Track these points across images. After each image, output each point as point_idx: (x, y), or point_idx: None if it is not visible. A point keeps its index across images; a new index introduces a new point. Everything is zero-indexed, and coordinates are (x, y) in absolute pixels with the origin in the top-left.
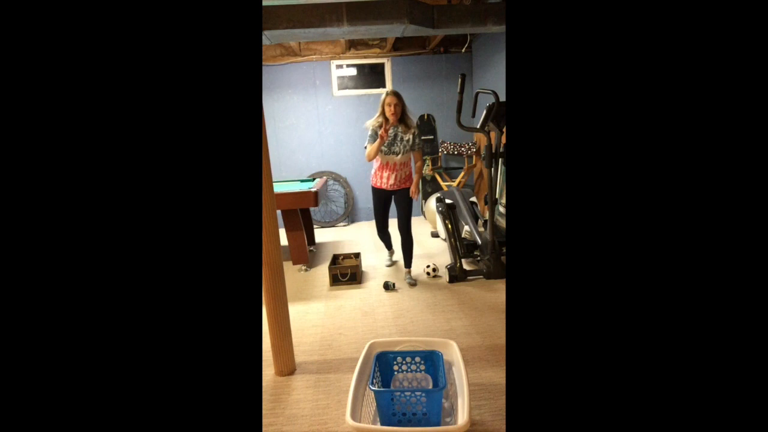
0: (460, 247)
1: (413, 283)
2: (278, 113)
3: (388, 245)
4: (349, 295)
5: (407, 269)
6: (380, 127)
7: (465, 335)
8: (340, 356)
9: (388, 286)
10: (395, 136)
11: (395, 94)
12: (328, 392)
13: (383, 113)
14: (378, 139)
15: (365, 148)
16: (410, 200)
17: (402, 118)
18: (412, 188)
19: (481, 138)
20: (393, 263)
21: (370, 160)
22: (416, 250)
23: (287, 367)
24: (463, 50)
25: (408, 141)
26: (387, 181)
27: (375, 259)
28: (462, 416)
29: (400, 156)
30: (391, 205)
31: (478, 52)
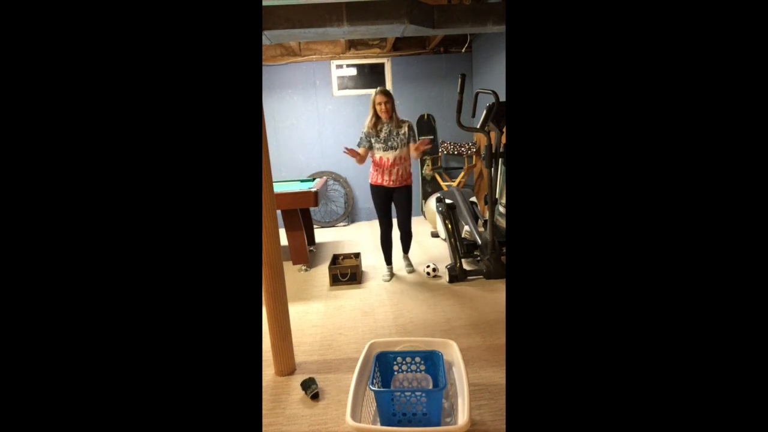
0: (460, 247)
1: (411, 270)
2: (278, 113)
3: (388, 258)
4: (349, 295)
5: (405, 254)
6: (373, 128)
7: (465, 335)
8: (340, 356)
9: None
10: (389, 132)
11: (384, 92)
12: (328, 392)
13: (375, 113)
14: (355, 154)
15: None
16: (410, 200)
17: (393, 114)
18: (415, 149)
19: (481, 138)
20: (392, 277)
21: (361, 162)
22: (416, 250)
23: (287, 367)
24: (463, 50)
25: (404, 134)
26: (388, 177)
27: (375, 259)
28: (462, 416)
29: (398, 151)
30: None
31: (478, 52)
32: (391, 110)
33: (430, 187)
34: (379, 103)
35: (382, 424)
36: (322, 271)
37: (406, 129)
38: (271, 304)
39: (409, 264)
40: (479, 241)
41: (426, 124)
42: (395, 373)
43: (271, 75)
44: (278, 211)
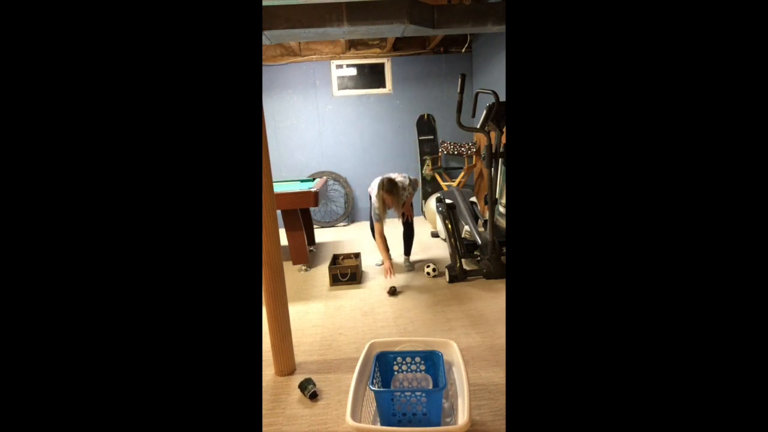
0: (460, 247)
1: (410, 268)
2: (278, 113)
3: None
4: (349, 295)
5: (406, 256)
6: (384, 209)
7: (465, 335)
8: (340, 356)
9: (394, 292)
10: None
11: (390, 191)
12: (328, 392)
13: (382, 202)
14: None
15: (373, 218)
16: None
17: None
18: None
19: (481, 138)
20: (382, 263)
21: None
22: (416, 250)
23: (287, 367)
24: (463, 50)
25: (403, 201)
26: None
27: (375, 259)
28: (462, 416)
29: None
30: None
31: (478, 52)
32: (396, 200)
33: (430, 187)
34: (384, 201)
35: (382, 424)
36: (322, 271)
37: (402, 201)
38: (271, 304)
39: (409, 264)
40: (479, 241)
41: (426, 124)
42: (395, 373)
43: (271, 75)
44: (278, 211)
